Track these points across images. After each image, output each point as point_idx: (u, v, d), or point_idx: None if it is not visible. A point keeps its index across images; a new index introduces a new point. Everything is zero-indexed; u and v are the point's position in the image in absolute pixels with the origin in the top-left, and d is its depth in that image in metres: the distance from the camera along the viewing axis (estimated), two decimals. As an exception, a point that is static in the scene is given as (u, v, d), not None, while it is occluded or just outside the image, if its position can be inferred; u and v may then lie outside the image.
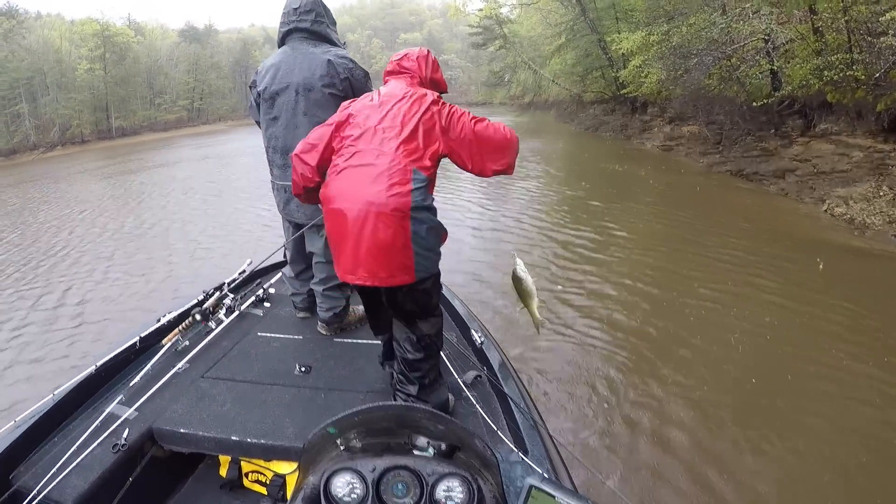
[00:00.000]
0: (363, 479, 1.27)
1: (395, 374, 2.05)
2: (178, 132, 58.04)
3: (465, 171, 1.94)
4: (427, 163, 1.77)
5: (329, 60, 2.42)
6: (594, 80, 22.86)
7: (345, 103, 2.00)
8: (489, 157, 1.90)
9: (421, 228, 1.72)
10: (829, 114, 9.26)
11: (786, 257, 6.22)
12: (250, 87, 2.63)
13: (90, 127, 56.34)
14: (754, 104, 10.28)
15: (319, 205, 1.91)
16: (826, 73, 8.10)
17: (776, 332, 4.44)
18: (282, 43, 2.58)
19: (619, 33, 16.53)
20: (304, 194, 2.04)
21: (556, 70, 26.27)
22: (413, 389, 1.95)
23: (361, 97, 2.01)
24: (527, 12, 25.48)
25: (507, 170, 1.98)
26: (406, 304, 1.86)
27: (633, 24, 16.22)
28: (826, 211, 7.83)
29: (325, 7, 2.56)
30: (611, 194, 10.24)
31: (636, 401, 3.66)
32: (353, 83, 2.46)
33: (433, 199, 1.79)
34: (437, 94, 1.99)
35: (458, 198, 10.25)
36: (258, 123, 2.69)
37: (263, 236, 7.92)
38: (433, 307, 1.93)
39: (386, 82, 2.06)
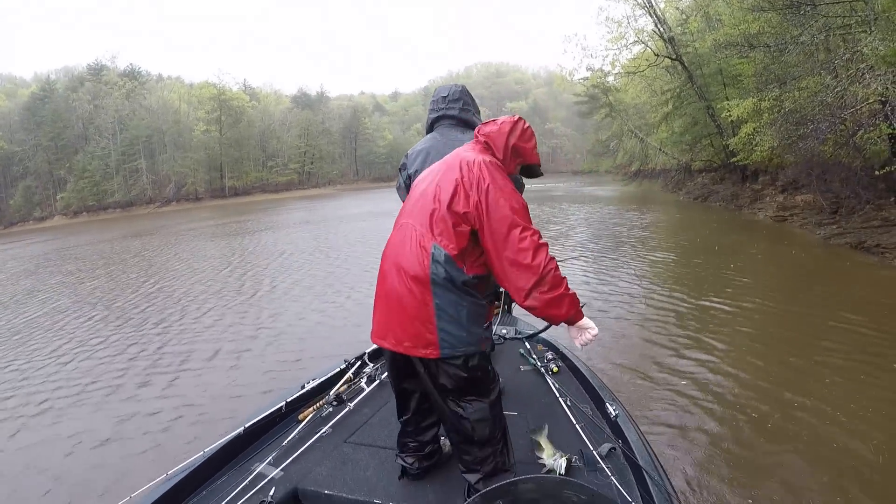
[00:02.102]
0: None
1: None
2: (288, 194, 61.59)
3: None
4: (452, 239, 1.71)
5: None
6: (702, 149, 22.23)
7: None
8: (510, 268, 1.69)
9: (446, 302, 1.69)
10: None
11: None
12: (400, 170, 2.75)
13: (204, 185, 61.74)
14: (876, 172, 9.48)
15: None
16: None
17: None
18: (430, 129, 2.73)
19: (728, 100, 16.05)
20: None
21: (662, 138, 25.90)
22: (472, 478, 1.89)
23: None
24: (632, 80, 25.45)
25: (521, 301, 1.72)
26: (439, 378, 1.78)
27: (742, 90, 15.72)
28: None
29: (471, 97, 2.72)
30: (733, 267, 9.58)
31: (765, 466, 3.47)
32: None
33: (468, 275, 1.71)
34: (496, 160, 1.84)
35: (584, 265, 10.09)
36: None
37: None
38: (473, 391, 1.81)
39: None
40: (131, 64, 67.44)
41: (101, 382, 5.89)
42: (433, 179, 1.85)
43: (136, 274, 13.01)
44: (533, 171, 2.01)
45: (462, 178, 1.75)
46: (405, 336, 1.72)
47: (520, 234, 1.67)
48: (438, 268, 1.68)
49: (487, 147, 1.89)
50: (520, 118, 1.95)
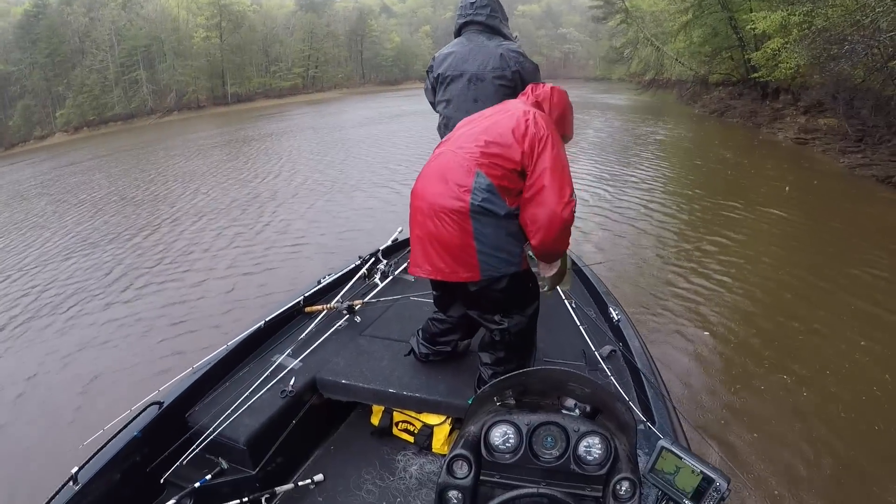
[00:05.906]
0: (518, 430, 1.37)
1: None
2: (292, 99, 59.54)
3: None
4: (499, 170, 1.71)
5: (501, 54, 2.57)
6: (721, 61, 21.05)
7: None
8: (541, 215, 1.70)
9: (486, 229, 1.70)
10: None
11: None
12: (427, 72, 2.83)
13: (206, 93, 59.39)
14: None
15: None
16: None
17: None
18: (458, 33, 2.76)
19: (752, 11, 14.98)
20: None
21: (680, 48, 24.54)
22: (488, 372, 2.03)
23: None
24: (650, -15, 23.78)
25: (540, 247, 1.72)
26: (481, 300, 1.89)
27: (769, 2, 14.62)
28: None
29: (499, 3, 2.71)
30: (749, 193, 9.24)
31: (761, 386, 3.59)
32: (522, 75, 2.59)
33: (510, 207, 1.72)
34: (546, 115, 1.86)
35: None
36: (432, 105, 2.88)
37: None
38: (515, 305, 1.91)
39: None
40: (126, -27, 63.39)
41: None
42: (486, 118, 1.87)
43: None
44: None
45: (520, 122, 1.75)
46: (443, 264, 1.76)
47: (558, 189, 1.66)
48: (479, 196, 1.70)
49: (539, 106, 1.92)
50: (565, 91, 2.04)
